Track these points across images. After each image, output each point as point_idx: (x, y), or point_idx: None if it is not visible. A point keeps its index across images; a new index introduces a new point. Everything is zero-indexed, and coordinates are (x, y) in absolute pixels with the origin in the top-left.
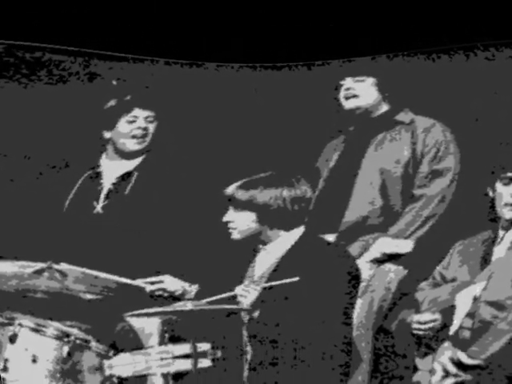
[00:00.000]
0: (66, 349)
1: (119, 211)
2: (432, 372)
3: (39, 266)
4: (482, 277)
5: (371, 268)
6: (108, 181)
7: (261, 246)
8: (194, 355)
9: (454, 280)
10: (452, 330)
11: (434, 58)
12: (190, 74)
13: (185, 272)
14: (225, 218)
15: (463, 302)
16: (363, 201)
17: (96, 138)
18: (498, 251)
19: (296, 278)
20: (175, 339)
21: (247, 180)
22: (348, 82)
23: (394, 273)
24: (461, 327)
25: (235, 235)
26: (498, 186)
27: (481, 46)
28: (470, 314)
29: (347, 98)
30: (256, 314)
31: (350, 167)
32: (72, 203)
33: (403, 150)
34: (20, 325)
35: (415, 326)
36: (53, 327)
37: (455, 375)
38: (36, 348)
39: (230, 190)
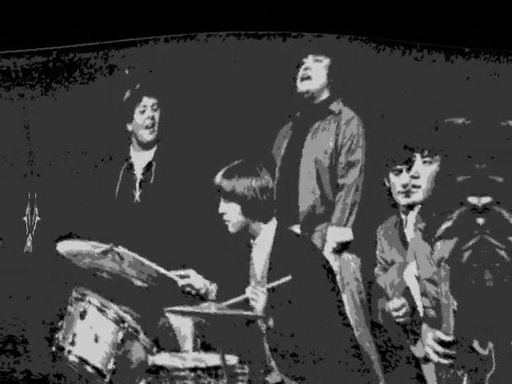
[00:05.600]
0: (120, 334)
1: (150, 200)
2: (427, 357)
3: (105, 247)
4: (410, 257)
5: (336, 259)
6: (138, 171)
7: (252, 241)
8: (224, 367)
9: (393, 263)
10: (421, 311)
11: (380, 48)
12: (184, 49)
13: (204, 268)
14: (219, 210)
15: (411, 283)
16: (307, 190)
17: (123, 131)
18: (408, 233)
19: (289, 277)
20: (206, 347)
21: (227, 168)
22: (309, 61)
23: (353, 261)
24: (425, 307)
25: (230, 228)
26: (392, 176)
27: (419, 45)
28: (423, 293)
29: (302, 80)
30: (271, 322)
31: (294, 156)
32: (120, 192)
33: (329, 140)
34: (89, 302)
35: (394, 314)
36: (113, 310)
37: (445, 354)
38: (99, 328)
39: (218, 179)
